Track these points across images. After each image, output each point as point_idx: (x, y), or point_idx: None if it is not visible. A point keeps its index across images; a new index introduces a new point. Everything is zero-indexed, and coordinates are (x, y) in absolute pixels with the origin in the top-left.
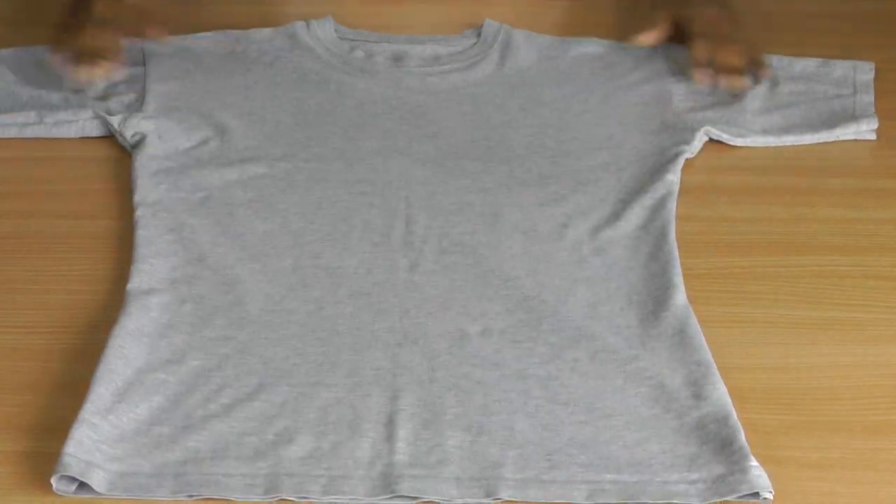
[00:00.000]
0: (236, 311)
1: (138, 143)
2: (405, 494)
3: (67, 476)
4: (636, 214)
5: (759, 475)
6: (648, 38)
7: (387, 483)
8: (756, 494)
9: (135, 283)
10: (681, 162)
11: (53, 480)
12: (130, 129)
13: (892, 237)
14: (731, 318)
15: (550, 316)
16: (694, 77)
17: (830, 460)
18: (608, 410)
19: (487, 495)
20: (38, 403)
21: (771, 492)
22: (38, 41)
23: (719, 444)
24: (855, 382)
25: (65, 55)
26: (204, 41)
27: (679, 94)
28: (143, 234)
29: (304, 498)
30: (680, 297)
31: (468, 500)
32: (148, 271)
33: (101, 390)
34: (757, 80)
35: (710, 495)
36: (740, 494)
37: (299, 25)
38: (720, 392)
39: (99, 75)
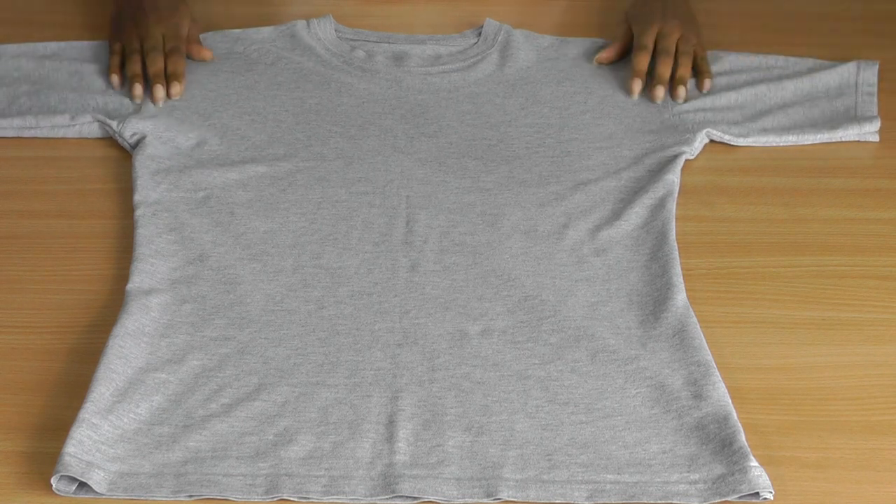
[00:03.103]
0: (237, 311)
1: (138, 143)
2: (405, 494)
3: (67, 476)
4: (636, 214)
5: (759, 475)
6: (608, 54)
7: (387, 483)
8: (756, 494)
9: (135, 282)
10: (680, 162)
11: (53, 481)
12: (129, 130)
13: (892, 237)
14: (731, 318)
15: (551, 316)
16: (627, 87)
17: (830, 460)
18: (608, 411)
19: (488, 495)
20: (38, 403)
21: (771, 492)
22: (38, 41)
23: (719, 444)
24: (855, 382)
25: (133, 80)
26: (205, 41)
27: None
28: (143, 233)
29: (305, 498)
30: (680, 297)
31: (468, 500)
32: (148, 271)
33: (102, 390)
34: (699, 87)
35: (710, 495)
36: (741, 494)
37: (300, 25)
38: (720, 392)
39: (176, 95)
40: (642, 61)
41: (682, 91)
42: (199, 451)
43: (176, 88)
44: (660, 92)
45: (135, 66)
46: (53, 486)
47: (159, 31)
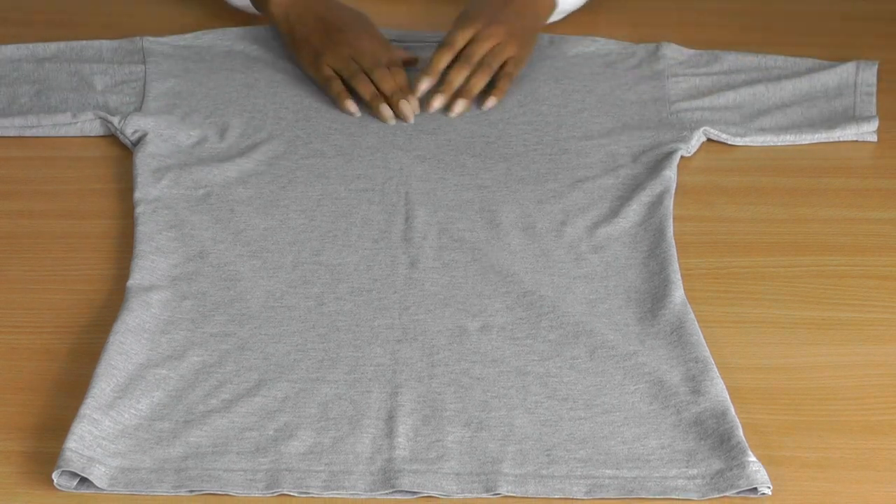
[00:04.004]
0: (237, 308)
1: (139, 141)
2: (405, 489)
3: (68, 471)
4: (634, 212)
5: (756, 470)
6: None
7: (387, 478)
8: (754, 490)
9: (136, 279)
10: (677, 158)
11: (54, 476)
12: (131, 127)
13: (892, 237)
14: (731, 318)
15: (549, 313)
16: (416, 82)
17: (830, 460)
18: (607, 406)
19: (487, 490)
20: (38, 403)
21: (769, 487)
22: (38, 41)
23: (717, 439)
24: (855, 382)
25: (376, 101)
26: (205, 39)
27: (677, 92)
28: (143, 230)
29: (305, 493)
30: (678, 293)
31: (467, 495)
32: (149, 268)
33: (103, 386)
34: (480, 103)
35: (708, 490)
36: (739, 490)
37: None
38: (718, 388)
39: (412, 110)
40: (440, 59)
41: (458, 105)
42: (200, 446)
43: (413, 104)
44: (436, 101)
45: (368, 87)
46: (55, 481)
47: (371, 46)
